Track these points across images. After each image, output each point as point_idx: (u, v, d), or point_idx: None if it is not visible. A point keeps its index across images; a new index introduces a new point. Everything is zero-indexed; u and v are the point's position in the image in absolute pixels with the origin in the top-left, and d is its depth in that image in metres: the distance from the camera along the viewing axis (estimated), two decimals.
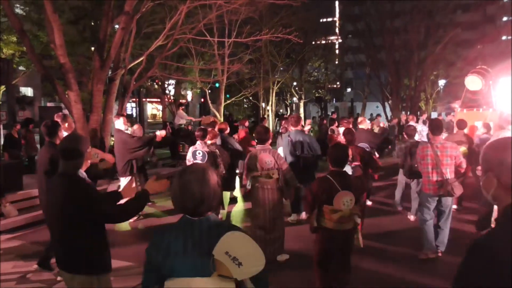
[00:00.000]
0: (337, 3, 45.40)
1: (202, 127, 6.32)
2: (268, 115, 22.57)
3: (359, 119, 8.15)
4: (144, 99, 20.91)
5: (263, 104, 23.48)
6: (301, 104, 28.96)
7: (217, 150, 5.96)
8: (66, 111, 7.88)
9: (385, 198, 8.07)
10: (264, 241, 4.71)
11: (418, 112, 25.04)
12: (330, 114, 25.20)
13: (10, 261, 4.99)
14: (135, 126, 7.36)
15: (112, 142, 10.15)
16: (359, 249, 3.68)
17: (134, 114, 22.60)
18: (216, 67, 15.38)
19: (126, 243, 5.71)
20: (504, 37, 33.68)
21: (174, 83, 20.61)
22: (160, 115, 27.32)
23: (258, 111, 25.45)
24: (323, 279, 3.58)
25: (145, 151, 6.66)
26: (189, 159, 5.90)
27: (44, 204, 4.34)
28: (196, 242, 1.64)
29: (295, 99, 30.22)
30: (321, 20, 34.87)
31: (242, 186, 8.80)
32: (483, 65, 12.31)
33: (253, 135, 9.12)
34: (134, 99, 20.23)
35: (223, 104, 16.48)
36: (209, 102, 17.32)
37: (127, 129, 6.99)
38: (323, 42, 31.10)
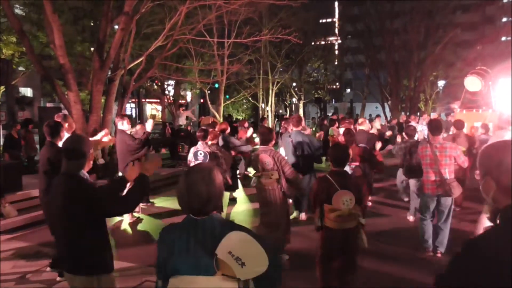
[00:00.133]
0: (336, 3, 45.43)
1: (203, 127, 6.32)
2: (267, 116, 22.58)
3: (359, 120, 8.16)
4: (143, 100, 20.93)
5: (263, 105, 23.49)
6: (301, 105, 28.99)
7: (218, 151, 5.96)
8: (65, 112, 7.87)
9: (385, 198, 8.07)
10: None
11: (418, 113, 25.06)
12: (330, 114, 25.23)
13: (10, 261, 4.99)
14: (138, 127, 7.35)
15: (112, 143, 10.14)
16: (360, 249, 3.69)
17: (134, 115, 22.58)
18: (216, 68, 15.39)
19: (125, 243, 5.70)
20: (503, 38, 33.74)
21: (173, 83, 20.61)
22: (160, 116, 27.33)
23: (257, 112, 25.47)
24: (324, 278, 3.60)
25: (145, 151, 6.68)
26: (191, 160, 5.91)
27: (44, 204, 4.34)
28: (199, 241, 1.65)
29: (294, 99, 30.24)
30: (320, 21, 34.88)
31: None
32: (483, 65, 12.35)
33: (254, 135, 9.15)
34: (133, 100, 20.21)
35: (222, 105, 16.49)
36: (209, 102, 17.32)
37: (130, 131, 7.01)
38: (323, 42, 31.12)
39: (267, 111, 23.43)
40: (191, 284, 1.62)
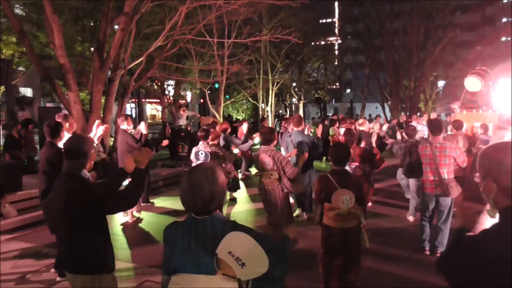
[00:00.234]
0: (336, 4, 45.44)
1: (204, 127, 6.33)
2: (267, 116, 22.59)
3: (360, 120, 8.16)
4: (143, 100, 20.87)
5: (263, 105, 23.50)
6: (301, 105, 28.99)
7: (219, 151, 5.97)
8: (65, 112, 7.87)
9: (385, 198, 8.07)
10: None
11: (418, 113, 25.08)
12: (330, 115, 25.24)
13: (10, 261, 4.99)
14: (140, 125, 7.35)
15: (112, 143, 10.15)
16: (361, 249, 3.69)
17: (134, 115, 22.58)
18: (216, 68, 15.38)
19: (125, 244, 5.71)
20: (503, 38, 33.77)
21: (173, 83, 20.60)
22: (160, 116, 27.31)
23: (257, 112, 25.46)
24: (326, 277, 3.62)
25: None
26: (192, 160, 5.94)
27: (43, 205, 4.34)
28: (200, 241, 1.66)
29: (294, 99, 30.24)
30: (320, 21, 34.91)
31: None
32: (483, 66, 12.36)
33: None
34: (133, 100, 20.18)
35: (222, 105, 16.48)
36: (209, 102, 17.32)
37: (131, 131, 7.01)
38: (323, 43, 31.14)
39: (267, 111, 23.43)
40: (192, 282, 1.62)
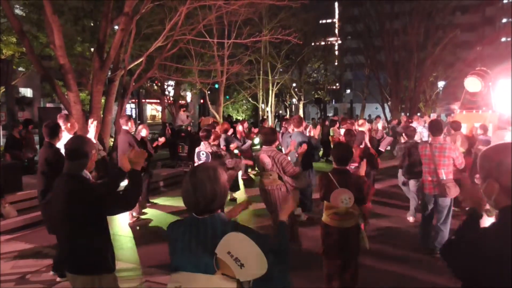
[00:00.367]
0: (336, 4, 45.46)
1: (206, 127, 6.35)
2: (267, 116, 22.60)
3: (360, 121, 8.16)
4: (143, 100, 20.92)
5: (263, 105, 23.51)
6: (301, 105, 29.00)
7: (220, 151, 5.99)
8: (66, 112, 7.87)
9: (385, 198, 8.07)
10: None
11: (418, 114, 25.09)
12: (330, 115, 25.25)
13: (10, 261, 4.99)
14: (140, 127, 7.38)
15: (112, 143, 10.14)
16: (361, 249, 3.70)
17: (134, 115, 22.59)
18: (216, 68, 15.38)
19: (125, 244, 5.71)
20: (503, 39, 33.79)
21: (173, 84, 20.61)
22: (160, 116, 27.33)
23: (257, 112, 25.47)
24: (327, 275, 3.65)
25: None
26: (195, 160, 5.96)
27: (42, 205, 4.34)
28: (200, 240, 1.67)
29: (294, 100, 30.26)
30: (320, 22, 34.93)
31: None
32: (483, 66, 12.35)
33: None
34: (133, 100, 20.18)
35: (222, 105, 16.47)
36: (209, 103, 17.32)
37: (132, 132, 7.05)
38: (323, 43, 31.15)
39: (267, 111, 23.45)
40: (192, 281, 1.64)
